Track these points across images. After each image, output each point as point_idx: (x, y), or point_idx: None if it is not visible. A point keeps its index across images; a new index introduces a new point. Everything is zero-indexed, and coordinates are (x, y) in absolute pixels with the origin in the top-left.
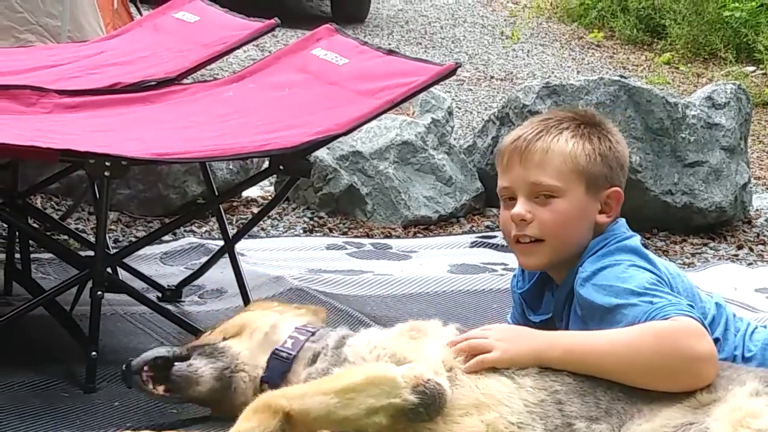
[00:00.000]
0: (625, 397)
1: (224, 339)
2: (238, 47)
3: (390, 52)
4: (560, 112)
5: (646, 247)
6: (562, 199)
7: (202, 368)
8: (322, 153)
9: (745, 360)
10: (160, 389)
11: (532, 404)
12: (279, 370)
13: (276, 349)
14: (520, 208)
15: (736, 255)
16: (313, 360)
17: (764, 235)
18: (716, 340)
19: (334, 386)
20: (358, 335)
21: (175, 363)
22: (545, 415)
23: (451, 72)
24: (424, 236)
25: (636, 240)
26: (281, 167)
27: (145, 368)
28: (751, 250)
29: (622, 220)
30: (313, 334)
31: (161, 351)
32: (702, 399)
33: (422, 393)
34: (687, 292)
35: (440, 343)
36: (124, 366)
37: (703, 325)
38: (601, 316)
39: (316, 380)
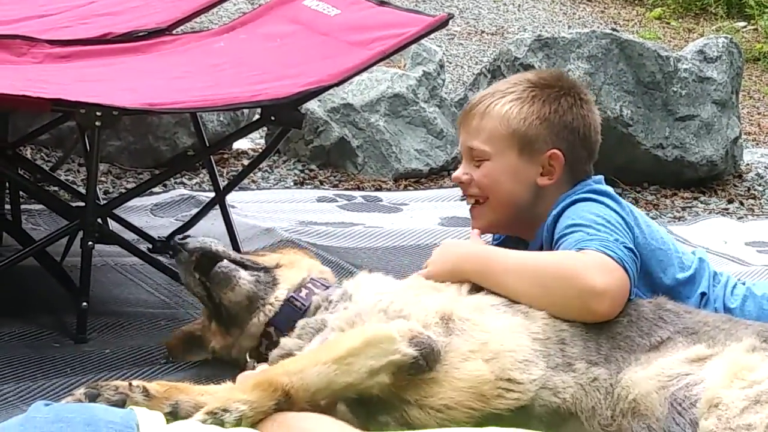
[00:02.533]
0: (626, 347)
1: (277, 266)
2: None
3: (382, 3)
4: (522, 74)
5: (637, 201)
6: (492, 162)
7: (244, 278)
8: (313, 105)
9: (726, 312)
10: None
11: (539, 341)
12: (290, 317)
13: (291, 296)
14: (459, 171)
15: (727, 209)
16: (314, 312)
17: (755, 189)
18: (702, 294)
19: (332, 354)
20: (366, 284)
21: (224, 260)
22: (548, 354)
23: (443, 23)
24: (415, 189)
25: (603, 186)
26: (273, 118)
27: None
28: (742, 204)
29: (599, 177)
30: (327, 288)
31: (218, 247)
32: (699, 353)
33: (419, 344)
34: (659, 242)
35: (443, 294)
36: (178, 238)
37: (623, 263)
38: (555, 243)
39: (312, 350)
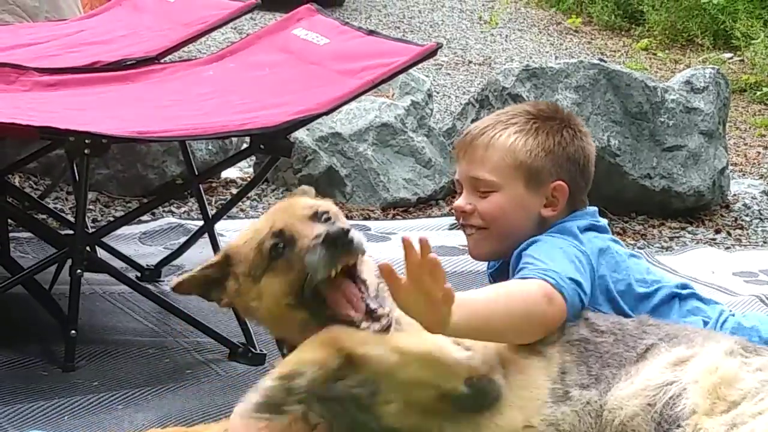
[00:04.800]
0: (615, 363)
1: None
2: (219, 27)
3: (371, 32)
4: (519, 106)
5: (625, 231)
6: (499, 194)
7: None
8: (301, 134)
9: None
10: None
11: (551, 380)
12: None
13: None
14: (461, 200)
15: (714, 239)
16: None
17: (742, 220)
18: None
19: (399, 345)
20: None
21: None
22: (554, 390)
23: (432, 52)
24: (403, 218)
25: (575, 224)
26: (261, 146)
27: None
28: (729, 234)
29: (593, 209)
30: None
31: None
32: (680, 355)
33: (473, 386)
34: (627, 271)
35: None
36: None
37: (559, 287)
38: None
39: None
